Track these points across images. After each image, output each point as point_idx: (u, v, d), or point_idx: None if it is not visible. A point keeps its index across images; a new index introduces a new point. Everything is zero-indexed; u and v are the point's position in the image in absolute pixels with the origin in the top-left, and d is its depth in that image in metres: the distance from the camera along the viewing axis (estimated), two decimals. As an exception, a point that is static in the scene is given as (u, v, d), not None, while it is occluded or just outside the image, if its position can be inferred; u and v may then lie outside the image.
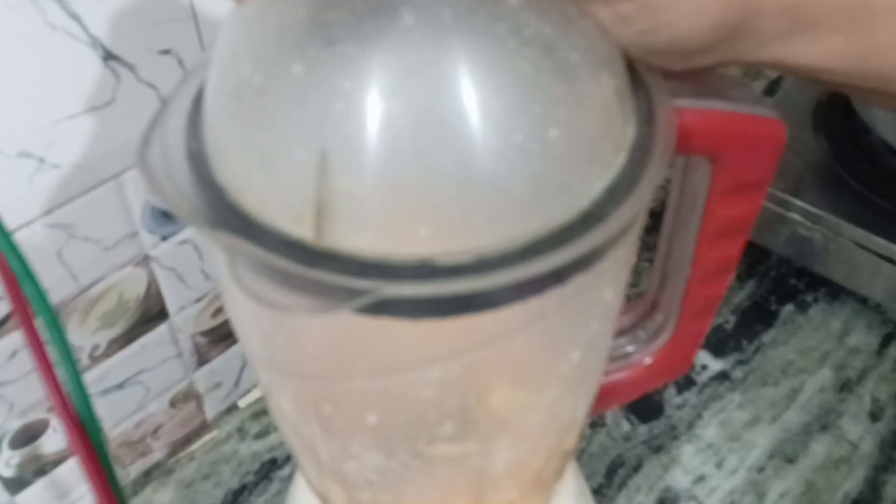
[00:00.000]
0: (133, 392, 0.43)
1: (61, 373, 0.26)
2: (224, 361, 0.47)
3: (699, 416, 0.49)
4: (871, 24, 0.24)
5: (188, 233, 0.40)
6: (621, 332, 0.36)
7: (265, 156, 0.21)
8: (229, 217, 0.22)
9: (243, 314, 0.26)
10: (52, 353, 0.26)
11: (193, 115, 0.24)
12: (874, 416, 0.49)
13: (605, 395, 0.36)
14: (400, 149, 0.20)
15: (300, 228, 0.21)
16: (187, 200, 0.22)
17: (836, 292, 0.55)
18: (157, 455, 0.47)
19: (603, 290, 0.25)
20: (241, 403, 0.50)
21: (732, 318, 0.54)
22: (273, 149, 0.21)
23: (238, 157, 0.22)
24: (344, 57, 0.20)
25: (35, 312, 0.23)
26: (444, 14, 0.21)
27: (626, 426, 0.49)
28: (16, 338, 0.36)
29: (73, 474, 0.43)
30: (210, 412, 0.49)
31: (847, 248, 0.52)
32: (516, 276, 0.20)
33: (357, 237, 0.21)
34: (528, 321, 0.23)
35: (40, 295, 0.23)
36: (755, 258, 0.57)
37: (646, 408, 0.49)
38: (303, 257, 0.21)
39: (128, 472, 0.46)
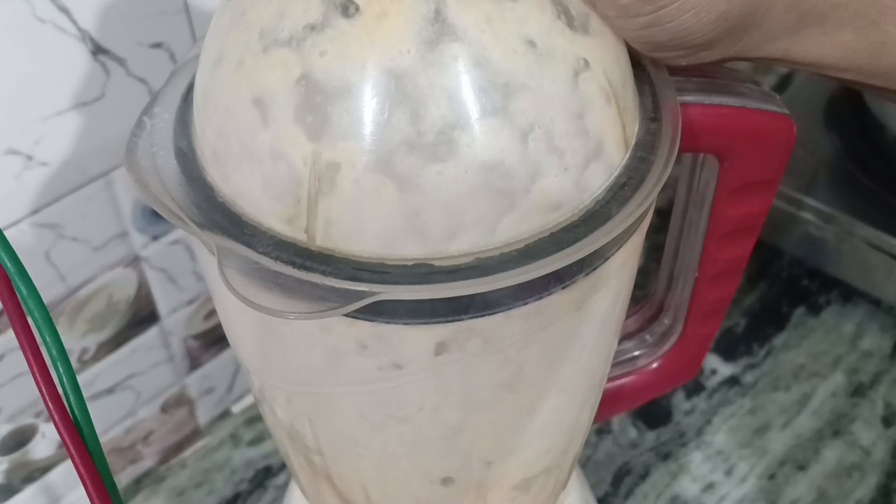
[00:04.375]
0: (123, 397, 0.43)
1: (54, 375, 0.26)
2: (217, 365, 0.47)
3: (708, 422, 0.49)
4: (880, 18, 0.25)
5: (179, 232, 0.40)
6: (627, 336, 0.36)
7: (256, 154, 0.21)
8: (219, 217, 0.22)
9: (233, 318, 0.26)
10: (45, 355, 0.26)
11: (183, 111, 0.24)
12: (887, 422, 0.49)
13: (610, 401, 0.36)
14: (395, 148, 0.20)
15: (292, 229, 0.21)
16: (175, 200, 0.22)
17: (849, 294, 0.54)
18: (147, 462, 0.47)
19: (607, 292, 0.24)
20: (235, 409, 0.50)
21: (742, 321, 0.54)
22: (264, 147, 0.21)
23: (228, 155, 0.22)
24: (340, 52, 0.20)
25: (28, 312, 0.23)
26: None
27: (632, 433, 0.48)
28: (2, 341, 0.36)
29: (63, 481, 0.43)
30: (202, 418, 0.48)
31: (860, 248, 0.51)
32: (516, 278, 0.20)
33: (351, 238, 0.21)
34: (529, 325, 0.23)
35: (35, 294, 0.22)
36: (766, 259, 0.56)
37: (653, 414, 0.49)
38: (295, 259, 0.20)
39: (118, 480, 0.46)
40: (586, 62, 0.21)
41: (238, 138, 0.21)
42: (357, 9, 0.20)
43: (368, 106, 0.20)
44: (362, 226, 0.20)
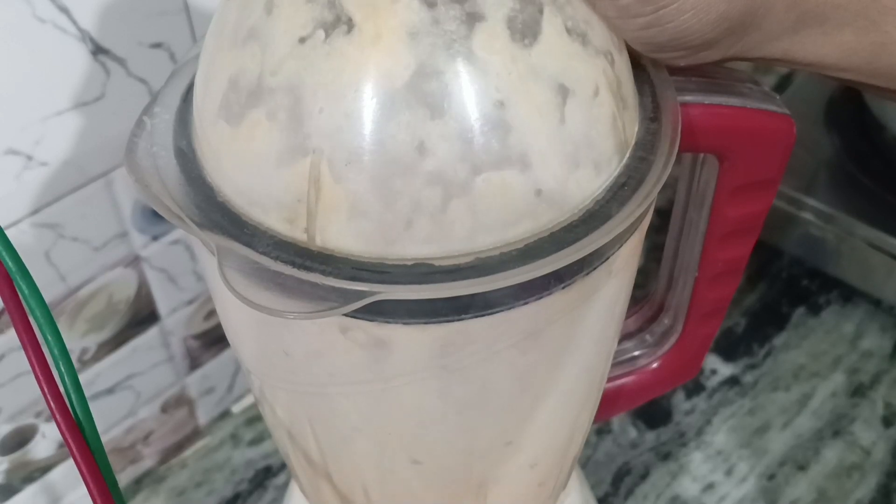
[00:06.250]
0: (123, 397, 0.43)
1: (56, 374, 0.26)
2: (217, 365, 0.47)
3: (708, 422, 0.49)
4: (881, 19, 0.24)
5: (179, 232, 0.40)
6: (627, 336, 0.36)
7: (256, 155, 0.21)
8: (219, 217, 0.22)
9: (233, 318, 0.26)
10: (47, 354, 0.26)
11: (183, 111, 0.24)
12: (887, 422, 0.48)
13: (610, 401, 0.36)
14: (396, 148, 0.20)
15: (292, 229, 0.21)
16: (175, 200, 0.22)
17: (850, 294, 0.54)
18: (147, 462, 0.47)
19: (607, 292, 0.24)
20: (235, 409, 0.50)
21: (743, 321, 0.54)
22: (264, 147, 0.21)
23: (228, 155, 0.22)
24: (340, 54, 0.20)
25: (30, 311, 0.23)
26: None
27: (632, 433, 0.48)
28: (2, 341, 0.36)
29: (63, 480, 0.42)
30: (202, 418, 0.48)
31: (860, 248, 0.51)
32: (516, 278, 0.20)
33: (351, 238, 0.20)
34: (529, 325, 0.23)
35: (37, 293, 0.22)
36: (766, 259, 0.56)
37: (653, 414, 0.49)
38: (295, 259, 0.20)
39: (118, 480, 0.46)
40: (598, 88, 0.21)
41: (238, 143, 0.21)
42: (352, 25, 0.20)
43: (367, 115, 0.20)
44: (362, 226, 0.20)
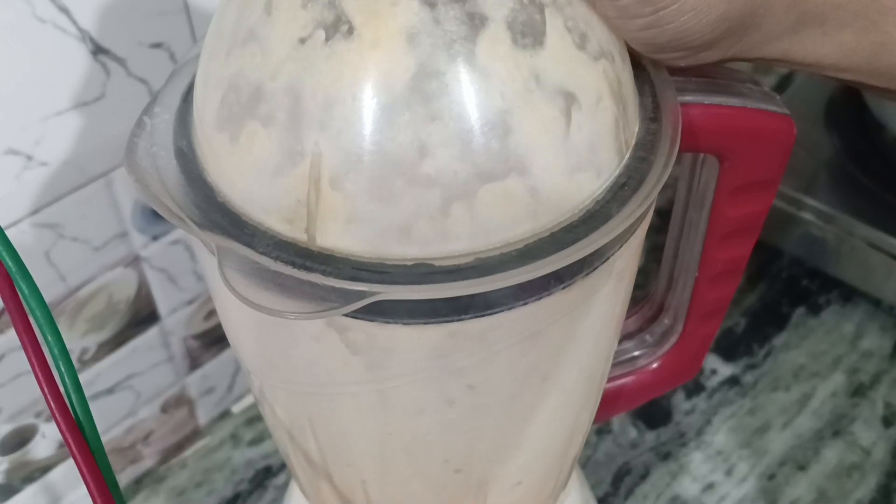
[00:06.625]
0: (123, 397, 0.43)
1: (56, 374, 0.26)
2: (217, 365, 0.47)
3: (708, 422, 0.49)
4: (880, 19, 0.24)
5: (179, 232, 0.40)
6: (627, 336, 0.36)
7: (256, 161, 0.21)
8: (219, 217, 0.22)
9: (233, 318, 0.26)
10: (47, 354, 0.26)
11: (183, 111, 0.24)
12: (887, 422, 0.48)
13: (610, 401, 0.36)
14: (395, 148, 0.20)
15: (293, 229, 0.21)
16: (175, 200, 0.22)
17: (849, 294, 0.54)
18: (147, 462, 0.47)
19: (608, 292, 0.24)
20: (235, 409, 0.50)
21: (743, 321, 0.54)
22: (264, 154, 0.21)
23: (228, 160, 0.22)
24: (339, 56, 0.20)
25: (30, 311, 0.23)
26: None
27: (632, 433, 0.48)
28: (2, 341, 0.36)
29: (63, 480, 0.42)
30: (202, 418, 0.48)
31: (860, 248, 0.51)
32: (516, 278, 0.20)
33: (351, 238, 0.20)
34: (529, 325, 0.23)
35: (37, 293, 0.22)
36: (766, 259, 0.56)
37: (653, 414, 0.49)
38: (295, 259, 0.20)
39: (118, 480, 0.46)
40: (601, 94, 0.21)
41: (237, 154, 0.21)
42: (352, 28, 0.20)
43: (367, 117, 0.20)
44: (362, 226, 0.20)
